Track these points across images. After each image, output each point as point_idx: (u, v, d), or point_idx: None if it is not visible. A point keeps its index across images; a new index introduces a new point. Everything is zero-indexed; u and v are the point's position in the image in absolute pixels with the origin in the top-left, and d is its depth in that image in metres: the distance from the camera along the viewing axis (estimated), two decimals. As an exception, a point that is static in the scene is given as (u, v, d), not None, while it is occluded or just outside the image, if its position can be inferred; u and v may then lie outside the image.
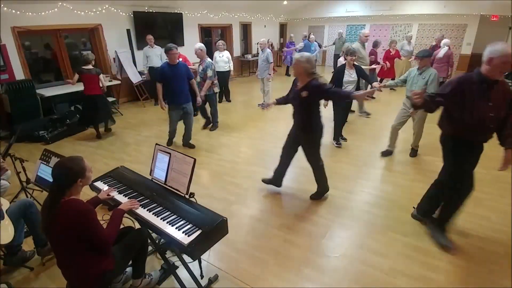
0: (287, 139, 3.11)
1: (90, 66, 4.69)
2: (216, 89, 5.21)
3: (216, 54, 6.65)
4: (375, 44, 7.52)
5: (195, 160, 2.00)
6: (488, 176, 3.60)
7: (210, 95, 5.14)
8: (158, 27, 7.70)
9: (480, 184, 3.41)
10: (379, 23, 11.69)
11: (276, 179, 3.31)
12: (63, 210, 1.55)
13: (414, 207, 2.86)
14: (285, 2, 11.00)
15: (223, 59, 6.59)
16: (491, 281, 2.15)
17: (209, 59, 4.95)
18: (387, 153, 4.23)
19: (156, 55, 6.66)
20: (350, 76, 4.12)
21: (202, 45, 4.99)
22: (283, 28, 13.85)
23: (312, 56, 2.80)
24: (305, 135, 2.91)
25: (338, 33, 10.90)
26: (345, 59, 4.29)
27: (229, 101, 7.41)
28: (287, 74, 10.87)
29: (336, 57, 11.06)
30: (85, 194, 1.75)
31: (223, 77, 6.54)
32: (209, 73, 4.84)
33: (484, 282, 2.15)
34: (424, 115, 3.82)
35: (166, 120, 5.86)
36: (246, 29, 11.64)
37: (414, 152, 4.25)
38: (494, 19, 9.50)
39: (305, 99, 2.69)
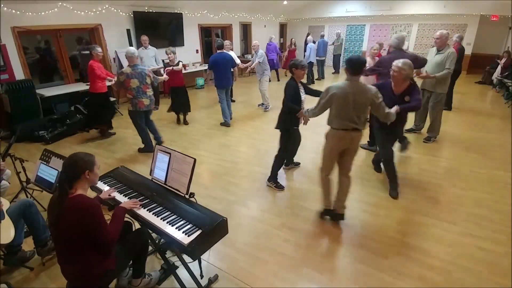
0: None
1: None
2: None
3: None
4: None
5: (195, 160, 2.00)
6: (488, 176, 3.61)
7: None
8: (158, 27, 7.70)
9: (480, 184, 3.43)
10: (379, 23, 11.70)
11: None
12: (69, 206, 1.56)
13: None
14: (285, 2, 11.00)
15: None
16: (491, 281, 2.15)
17: (127, 68, 4.01)
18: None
19: (149, 57, 6.35)
20: (303, 94, 3.26)
21: (130, 49, 3.99)
22: (283, 28, 13.86)
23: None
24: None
25: (336, 33, 10.89)
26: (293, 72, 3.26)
27: (233, 101, 7.29)
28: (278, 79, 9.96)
29: (336, 57, 11.09)
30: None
31: None
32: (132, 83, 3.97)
33: (484, 282, 2.15)
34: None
35: (165, 120, 5.88)
36: (246, 29, 11.65)
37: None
38: (494, 19, 9.50)
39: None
